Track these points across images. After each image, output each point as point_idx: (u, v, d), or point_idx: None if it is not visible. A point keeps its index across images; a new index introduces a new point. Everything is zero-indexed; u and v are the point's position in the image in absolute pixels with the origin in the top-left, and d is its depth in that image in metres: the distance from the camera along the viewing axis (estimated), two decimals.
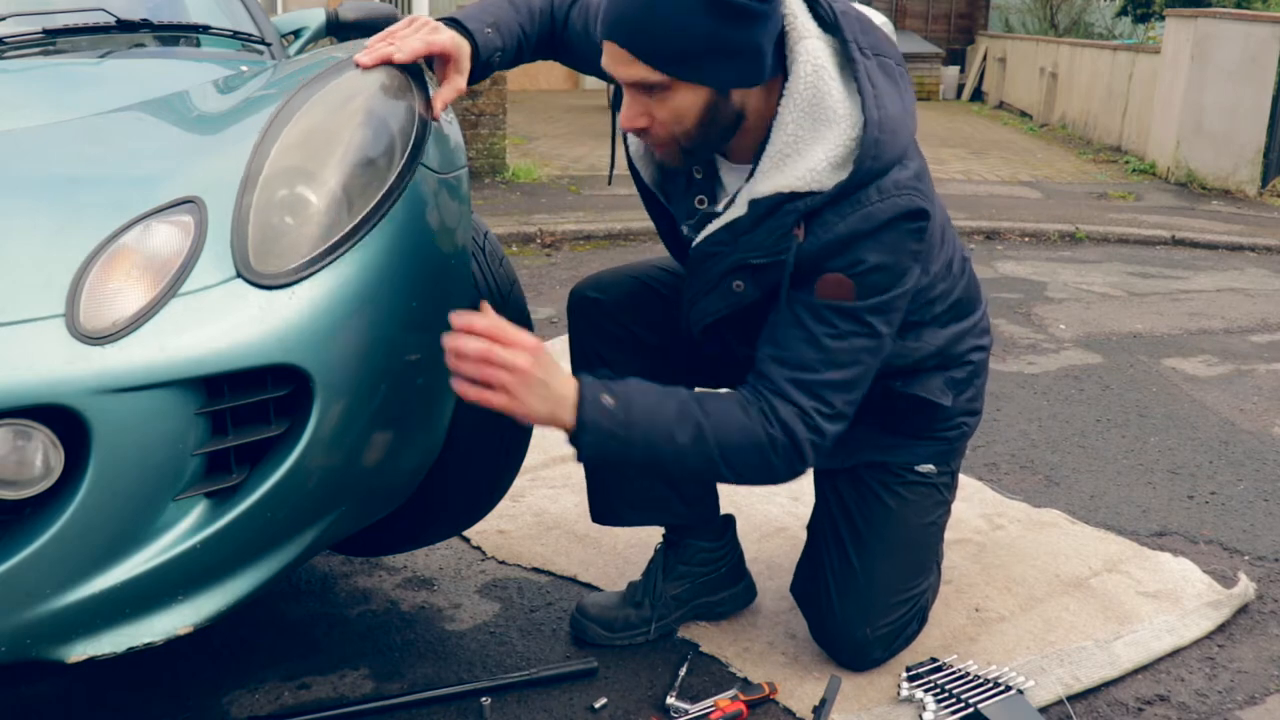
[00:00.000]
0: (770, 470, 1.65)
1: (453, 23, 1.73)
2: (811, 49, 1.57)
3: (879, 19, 1.75)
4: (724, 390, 1.69)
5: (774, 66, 1.57)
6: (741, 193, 1.63)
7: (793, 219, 1.58)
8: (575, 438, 1.57)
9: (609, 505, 2.04)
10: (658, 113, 1.57)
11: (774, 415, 1.62)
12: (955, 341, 1.91)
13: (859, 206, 1.57)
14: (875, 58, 1.61)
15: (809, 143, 1.56)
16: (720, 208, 1.68)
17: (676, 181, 1.77)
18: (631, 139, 1.78)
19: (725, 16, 1.48)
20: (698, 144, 1.61)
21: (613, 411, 1.55)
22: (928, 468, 1.95)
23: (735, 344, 1.78)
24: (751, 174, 1.62)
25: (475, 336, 1.50)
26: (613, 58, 1.55)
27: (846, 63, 1.59)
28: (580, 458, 1.61)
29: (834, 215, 1.57)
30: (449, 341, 1.50)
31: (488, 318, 1.52)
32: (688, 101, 1.54)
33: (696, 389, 1.67)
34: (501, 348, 1.50)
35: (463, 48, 1.70)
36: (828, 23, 1.60)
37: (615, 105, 1.69)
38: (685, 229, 1.77)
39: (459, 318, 1.51)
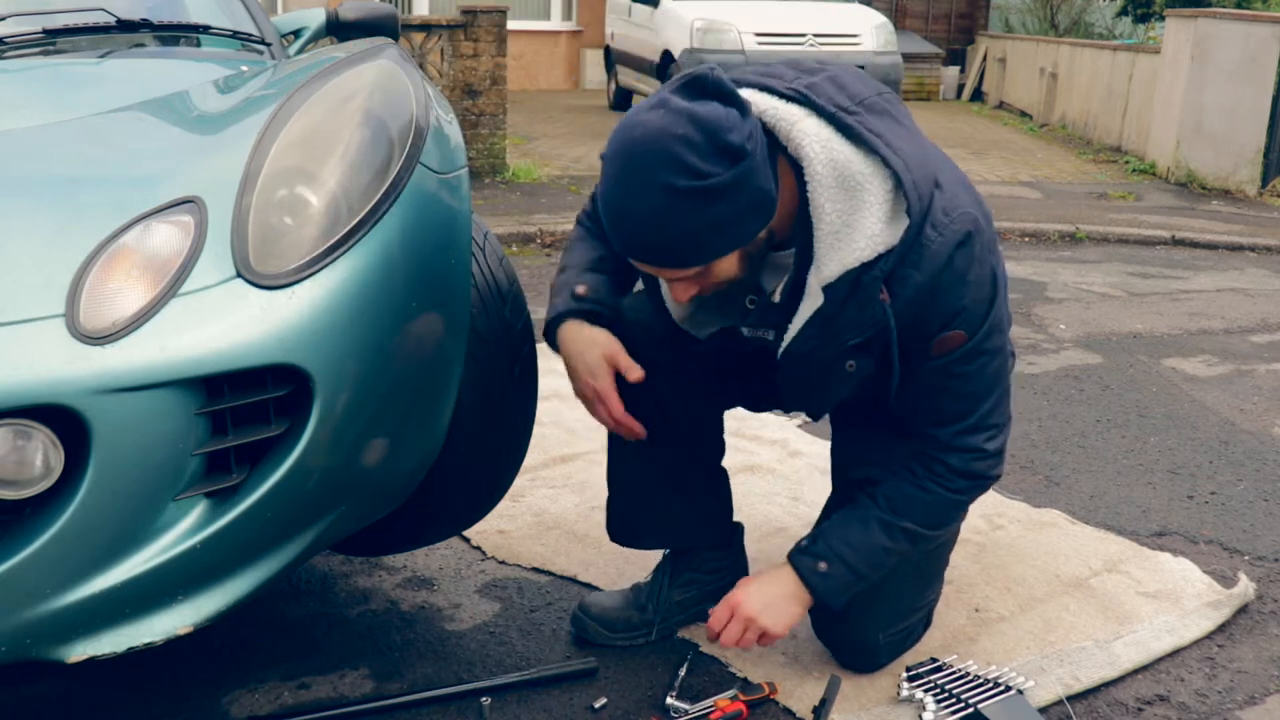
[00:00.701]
0: (968, 502, 1.82)
1: (582, 309, 1.77)
2: (810, 129, 1.56)
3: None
4: (906, 468, 1.76)
5: (771, 158, 1.54)
6: (810, 283, 1.61)
7: (876, 286, 1.58)
8: (825, 604, 1.80)
9: (630, 528, 2.05)
10: (703, 284, 1.59)
11: (952, 472, 1.73)
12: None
13: (924, 250, 1.57)
14: (860, 107, 1.61)
15: (855, 213, 1.56)
16: (777, 296, 1.68)
17: (710, 298, 1.74)
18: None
19: (717, 199, 1.46)
20: (750, 276, 1.63)
21: (832, 573, 1.76)
22: None
23: (863, 406, 1.80)
24: (804, 257, 1.61)
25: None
26: (646, 265, 1.58)
27: (842, 128, 1.57)
28: (837, 608, 1.81)
29: (907, 270, 1.58)
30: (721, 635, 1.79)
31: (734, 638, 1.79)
32: (725, 265, 1.56)
33: (853, 479, 1.83)
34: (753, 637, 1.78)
35: (614, 341, 1.78)
36: (800, 100, 1.59)
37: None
38: (746, 331, 1.76)
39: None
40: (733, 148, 1.45)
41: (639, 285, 1.86)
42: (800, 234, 1.60)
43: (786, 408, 2.01)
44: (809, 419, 1.95)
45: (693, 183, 1.43)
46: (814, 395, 1.77)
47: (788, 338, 1.67)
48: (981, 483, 1.77)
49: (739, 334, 1.78)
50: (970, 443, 1.72)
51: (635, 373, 1.74)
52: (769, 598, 1.78)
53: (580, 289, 1.77)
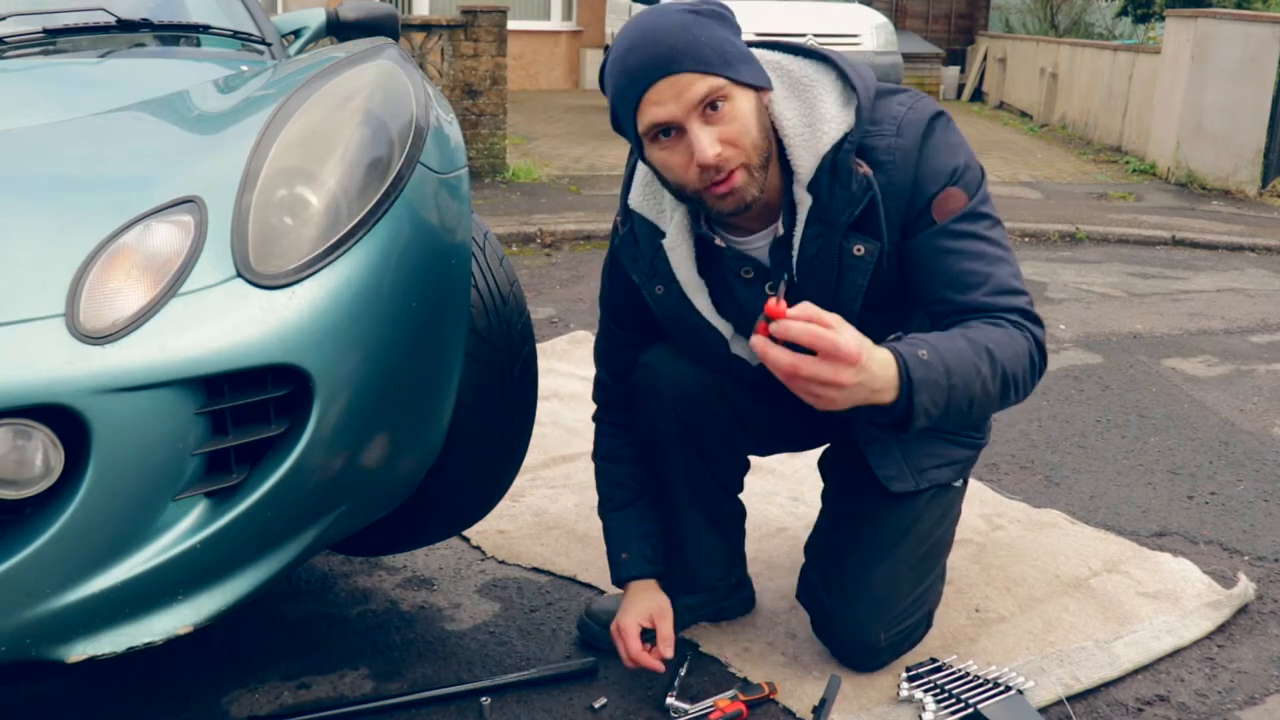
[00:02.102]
0: (1036, 374, 1.66)
1: (635, 571, 1.96)
2: (758, 55, 1.69)
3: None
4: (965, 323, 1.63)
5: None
6: (796, 194, 1.68)
7: (849, 161, 1.65)
8: (908, 401, 1.51)
9: (690, 570, 2.03)
10: (727, 131, 1.59)
11: (1014, 324, 1.62)
12: None
13: (896, 122, 1.66)
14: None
15: (812, 110, 1.66)
16: (779, 231, 1.72)
17: (716, 289, 1.82)
18: (675, 260, 1.79)
19: (728, 25, 1.62)
20: (765, 156, 1.64)
21: (931, 362, 1.52)
22: (958, 482, 1.98)
23: (898, 307, 1.76)
24: (787, 181, 1.69)
25: (799, 350, 1.44)
26: (669, 94, 1.57)
27: (787, 49, 1.73)
28: (911, 424, 1.53)
29: (883, 141, 1.66)
30: (782, 359, 1.44)
31: (803, 325, 1.43)
32: (745, 105, 1.61)
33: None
34: (824, 365, 1.43)
35: (664, 602, 1.95)
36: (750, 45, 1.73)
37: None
38: (767, 289, 1.76)
39: (790, 328, 1.43)
40: (731, 15, 1.64)
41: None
42: (784, 175, 1.69)
43: (800, 441, 2.09)
44: None
45: (710, 7, 1.61)
46: (836, 300, 1.68)
47: (795, 252, 1.71)
48: (1040, 347, 1.63)
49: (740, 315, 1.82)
50: (1010, 302, 1.63)
51: (666, 649, 1.88)
52: (867, 383, 1.47)
53: (649, 552, 1.97)
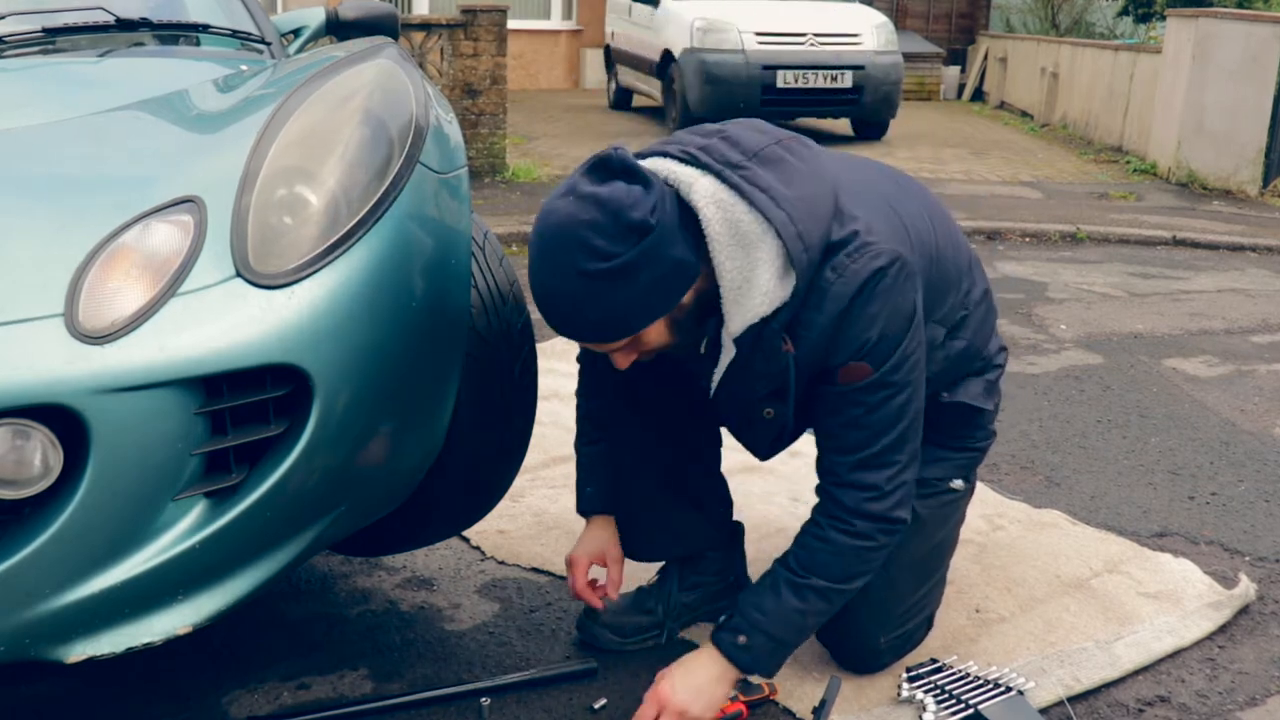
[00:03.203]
0: (884, 549, 1.76)
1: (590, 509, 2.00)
2: (704, 189, 1.59)
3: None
4: (811, 520, 1.77)
5: (687, 220, 1.58)
6: (723, 336, 1.68)
7: (777, 339, 1.64)
8: (749, 672, 1.78)
9: (641, 543, 2.04)
10: (640, 350, 1.64)
11: (847, 512, 1.71)
12: (988, 338, 1.96)
13: (824, 294, 1.61)
14: (752, 160, 1.63)
15: (751, 270, 1.60)
16: (703, 349, 1.74)
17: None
18: None
19: (630, 273, 1.51)
20: (688, 338, 1.68)
21: (753, 645, 1.74)
22: (958, 483, 1.98)
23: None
24: (719, 313, 1.67)
25: None
26: (577, 338, 1.64)
27: (732, 185, 1.60)
28: (768, 673, 1.80)
29: (809, 314, 1.63)
30: None
31: None
32: (654, 333, 1.61)
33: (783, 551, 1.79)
34: None
35: (612, 539, 2.01)
36: (692, 162, 1.62)
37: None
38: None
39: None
40: (635, 224, 1.49)
41: None
42: (715, 293, 1.65)
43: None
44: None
45: (601, 265, 1.49)
46: (744, 438, 1.86)
47: (712, 387, 1.74)
48: (880, 524, 1.72)
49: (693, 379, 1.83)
50: (866, 479, 1.70)
51: (612, 592, 1.99)
52: (697, 684, 1.75)
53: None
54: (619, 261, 1.49)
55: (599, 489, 1.98)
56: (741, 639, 1.73)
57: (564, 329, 1.59)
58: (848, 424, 1.69)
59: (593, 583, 1.99)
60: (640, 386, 1.88)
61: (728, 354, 1.68)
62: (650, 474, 1.96)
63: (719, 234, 1.58)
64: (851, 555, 1.72)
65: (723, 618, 1.79)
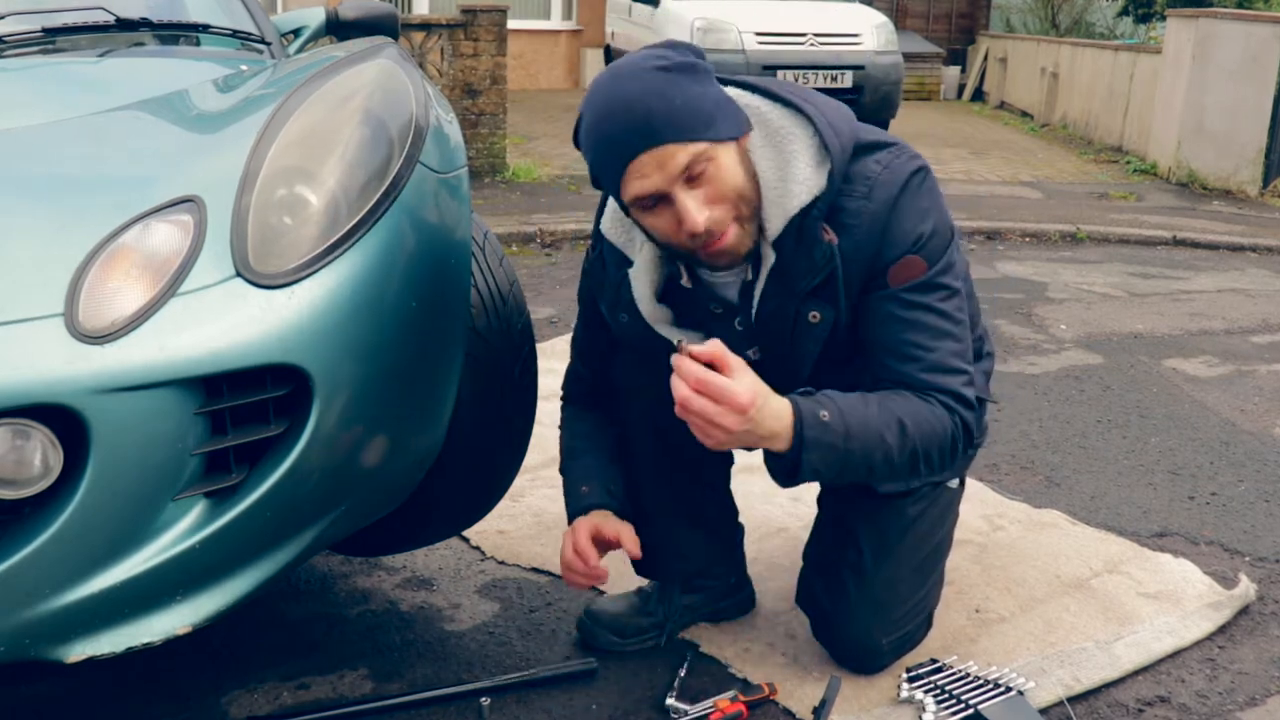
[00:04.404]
0: (955, 454, 1.68)
1: (590, 506, 1.87)
2: (736, 96, 1.65)
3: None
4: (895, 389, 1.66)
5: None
6: (763, 249, 1.65)
7: (817, 228, 1.62)
8: (796, 456, 1.56)
9: (653, 561, 2.00)
10: (714, 191, 1.58)
11: (942, 404, 1.64)
12: (977, 319, 1.95)
13: (873, 183, 1.62)
14: (777, 86, 1.69)
15: (787, 165, 1.61)
16: (740, 284, 1.70)
17: (685, 320, 1.78)
18: (638, 291, 1.76)
19: (699, 78, 1.57)
20: (756, 205, 1.63)
21: (831, 424, 1.56)
22: (954, 482, 1.98)
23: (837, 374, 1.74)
24: (760, 229, 1.64)
25: (694, 388, 1.49)
26: (652, 167, 1.54)
27: (764, 92, 1.66)
28: (797, 478, 1.59)
29: (853, 203, 1.62)
30: (677, 389, 1.49)
31: (698, 369, 1.49)
32: (729, 162, 1.58)
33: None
34: (714, 408, 1.48)
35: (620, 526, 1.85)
36: (723, 81, 1.67)
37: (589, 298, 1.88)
38: (737, 324, 1.74)
39: (682, 364, 1.50)
40: (696, 50, 1.59)
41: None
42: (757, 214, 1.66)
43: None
44: None
45: (675, 61, 1.55)
46: (788, 363, 1.72)
47: (754, 305, 1.70)
48: (964, 430, 1.66)
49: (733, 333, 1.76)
50: (943, 382, 1.64)
51: (632, 548, 1.83)
52: (755, 430, 1.53)
53: (612, 488, 1.90)
54: (688, 61, 1.56)
55: (597, 486, 1.88)
56: (824, 414, 1.56)
57: (646, 125, 1.52)
58: (908, 326, 1.63)
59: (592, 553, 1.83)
60: (654, 400, 1.86)
61: (767, 263, 1.65)
62: (658, 494, 1.96)
63: (754, 135, 1.62)
64: (938, 427, 1.63)
65: (804, 390, 1.61)
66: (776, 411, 1.54)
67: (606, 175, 1.60)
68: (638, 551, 1.83)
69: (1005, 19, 15.63)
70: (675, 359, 1.51)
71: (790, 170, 1.61)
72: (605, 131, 1.56)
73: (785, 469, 1.59)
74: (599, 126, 1.56)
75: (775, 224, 1.62)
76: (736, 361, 1.51)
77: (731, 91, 1.65)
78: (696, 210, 1.56)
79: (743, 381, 1.49)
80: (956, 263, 1.69)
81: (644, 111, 1.52)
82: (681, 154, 1.54)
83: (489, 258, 1.88)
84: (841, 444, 1.57)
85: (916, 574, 1.93)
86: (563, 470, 1.96)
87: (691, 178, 1.56)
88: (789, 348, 1.71)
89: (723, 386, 1.48)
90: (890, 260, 1.62)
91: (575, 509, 1.89)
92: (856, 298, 1.66)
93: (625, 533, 1.83)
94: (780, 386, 1.61)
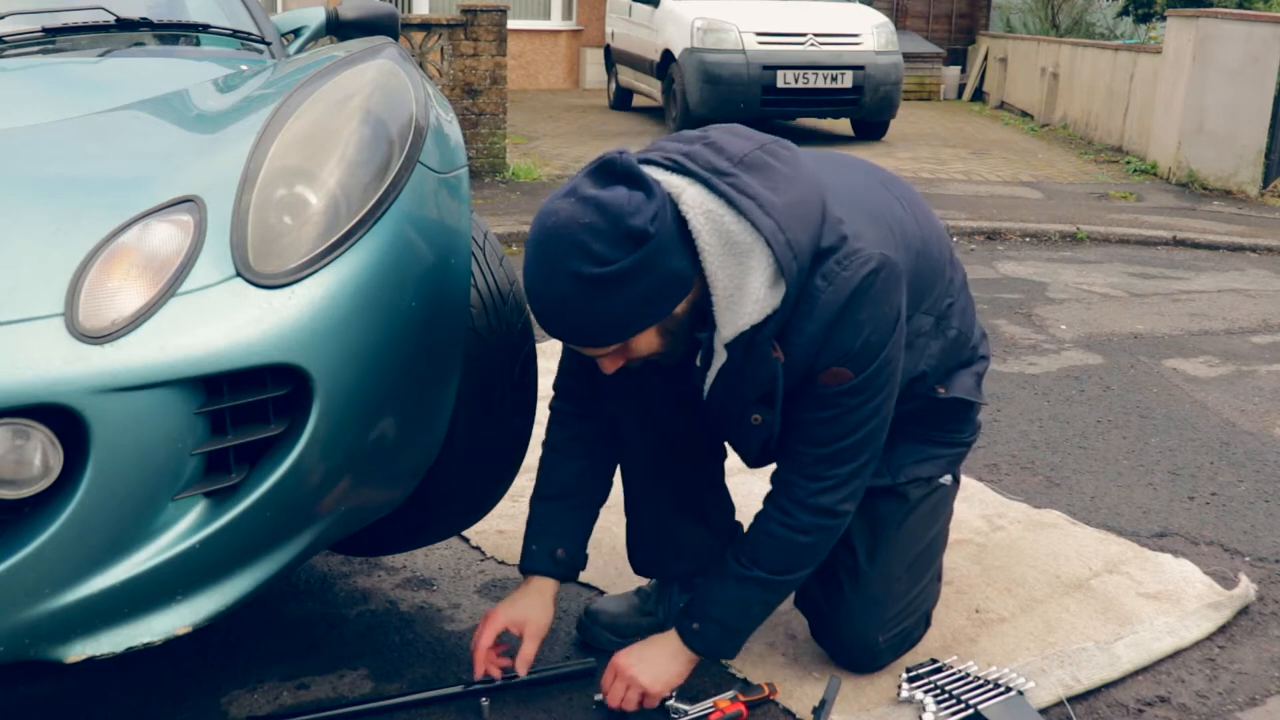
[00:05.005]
0: (826, 545, 1.81)
1: (556, 572, 1.91)
2: (693, 199, 1.57)
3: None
4: (760, 510, 1.80)
5: (683, 230, 1.57)
6: (715, 343, 1.68)
7: (768, 346, 1.64)
8: (705, 655, 1.83)
9: (653, 560, 2.06)
10: (629, 356, 1.65)
11: (796, 505, 1.75)
12: (973, 325, 1.96)
13: (815, 301, 1.62)
14: (738, 167, 1.61)
15: (743, 278, 1.59)
16: (698, 360, 1.74)
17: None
18: None
19: (626, 282, 1.51)
20: (679, 346, 1.68)
21: (705, 631, 1.80)
22: (946, 479, 1.99)
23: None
24: (711, 321, 1.65)
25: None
26: (572, 343, 1.65)
27: (719, 193, 1.59)
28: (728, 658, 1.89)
29: (800, 322, 1.63)
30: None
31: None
32: (645, 340, 1.62)
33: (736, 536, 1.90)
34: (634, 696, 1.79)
35: (545, 618, 1.90)
36: (678, 169, 1.61)
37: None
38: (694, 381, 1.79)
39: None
40: (634, 232, 1.49)
41: None
42: (707, 300, 1.64)
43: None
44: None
45: (598, 270, 1.49)
46: (735, 444, 1.87)
47: (706, 387, 1.74)
48: (824, 517, 1.75)
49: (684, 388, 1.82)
50: (826, 471, 1.73)
51: (520, 667, 1.85)
52: (652, 657, 1.81)
53: (560, 552, 1.90)
54: (614, 268, 1.50)
55: (543, 549, 1.88)
56: (695, 625, 1.80)
57: (555, 330, 1.60)
58: (821, 421, 1.72)
59: (502, 647, 1.86)
60: (643, 402, 1.87)
61: (719, 359, 1.68)
62: (656, 491, 1.96)
63: (710, 244, 1.57)
64: (792, 549, 1.77)
65: (683, 603, 1.86)
66: (672, 652, 1.81)
67: None
68: (524, 669, 1.85)
69: (1005, 19, 15.63)
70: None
71: (745, 285, 1.59)
72: (533, 310, 1.60)
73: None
74: (529, 299, 1.59)
75: (727, 331, 1.63)
76: (619, 669, 1.80)
77: (693, 193, 1.57)
78: (609, 365, 1.66)
79: (638, 688, 1.79)
80: (890, 360, 1.70)
81: (557, 321, 1.57)
82: (592, 350, 1.63)
83: (489, 258, 1.88)
84: (725, 631, 1.81)
85: (911, 571, 1.93)
86: (531, 503, 1.95)
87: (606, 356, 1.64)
88: (735, 433, 1.83)
89: (639, 696, 1.79)
90: (822, 367, 1.67)
91: (521, 562, 1.93)
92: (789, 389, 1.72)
93: (530, 638, 1.85)
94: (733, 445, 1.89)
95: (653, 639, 1.85)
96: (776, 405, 1.71)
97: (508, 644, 1.86)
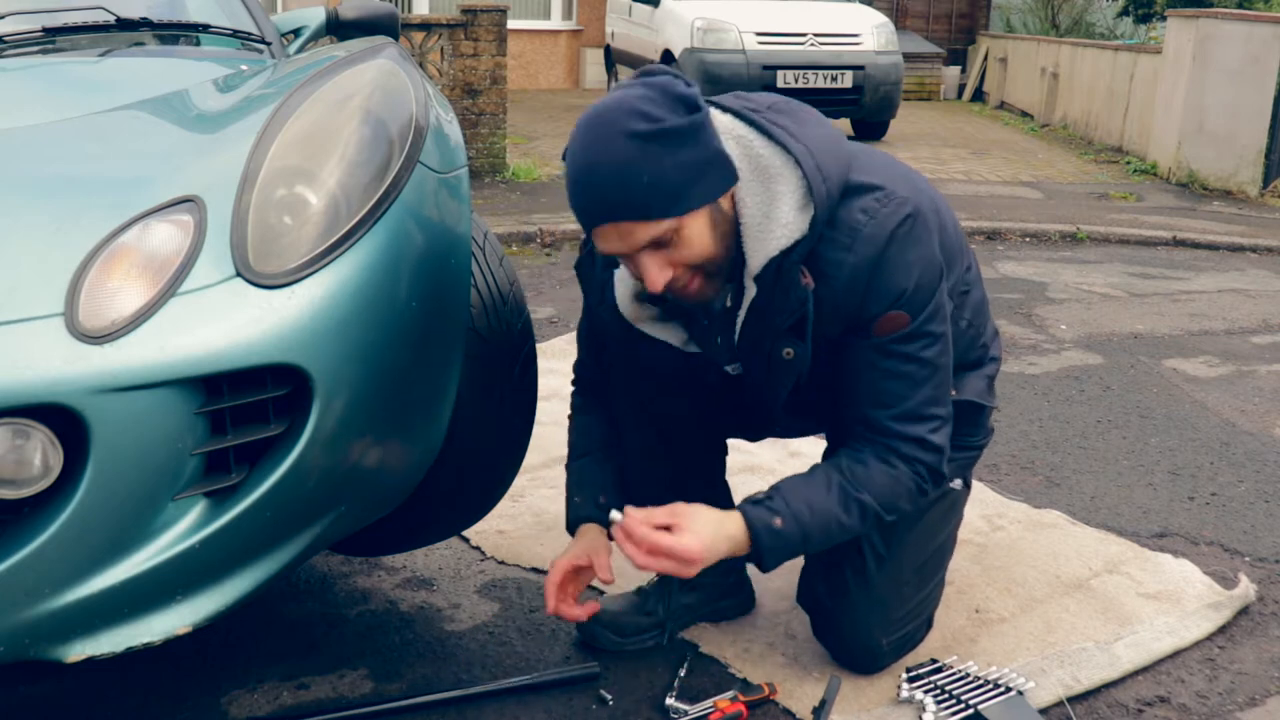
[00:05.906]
0: (923, 496, 1.77)
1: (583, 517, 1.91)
2: (724, 124, 1.62)
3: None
4: (851, 447, 1.75)
5: None
6: (745, 280, 1.66)
7: (796, 271, 1.63)
8: (759, 559, 1.70)
9: None
10: (679, 257, 1.58)
11: (905, 456, 1.71)
12: (986, 321, 1.95)
13: (856, 234, 1.61)
14: (769, 109, 1.66)
15: (772, 204, 1.61)
16: (728, 301, 1.71)
17: (679, 314, 1.80)
18: (619, 292, 1.78)
19: (680, 143, 1.52)
20: (723, 262, 1.64)
21: (784, 531, 1.68)
22: (956, 483, 1.98)
23: (817, 395, 1.80)
24: (739, 259, 1.65)
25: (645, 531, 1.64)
26: (614, 237, 1.56)
27: (751, 122, 1.63)
28: (766, 570, 1.73)
29: (835, 251, 1.62)
30: (636, 558, 1.64)
31: (646, 534, 1.63)
32: (697, 229, 1.57)
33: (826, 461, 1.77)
34: (672, 564, 1.64)
35: (603, 540, 1.88)
36: (711, 103, 1.65)
37: (584, 269, 1.85)
38: (718, 340, 1.78)
39: (631, 534, 1.64)
40: (687, 98, 1.53)
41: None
42: (735, 240, 1.64)
43: (765, 433, 2.06)
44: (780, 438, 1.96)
45: (654, 126, 1.50)
46: (764, 389, 1.79)
47: (736, 332, 1.72)
48: (931, 476, 1.73)
49: (717, 365, 1.81)
50: (912, 429, 1.70)
51: (604, 573, 1.83)
52: (709, 534, 1.66)
53: (602, 498, 1.91)
54: (671, 125, 1.50)
55: (587, 497, 1.92)
56: (777, 521, 1.67)
57: (606, 207, 1.53)
58: (886, 375, 1.68)
59: (573, 587, 1.87)
60: (644, 395, 1.87)
61: (749, 294, 1.67)
62: (653, 487, 1.96)
63: (740, 168, 1.60)
64: (903, 491, 1.72)
65: (761, 495, 1.71)
66: (731, 535, 1.67)
67: (581, 223, 1.62)
68: (608, 575, 1.83)
69: (1005, 19, 15.63)
70: (619, 530, 1.64)
71: (774, 210, 1.60)
72: (572, 193, 1.57)
73: (755, 563, 1.72)
74: (570, 184, 1.57)
75: (756, 261, 1.63)
76: (682, 514, 1.65)
77: (725, 120, 1.62)
78: (658, 273, 1.59)
79: (687, 535, 1.63)
80: (942, 306, 1.70)
81: (608, 187, 1.52)
82: (642, 231, 1.55)
83: (489, 258, 1.88)
84: (799, 540, 1.70)
85: (919, 574, 1.93)
86: (566, 467, 1.99)
87: (656, 244, 1.57)
88: (764, 375, 1.76)
89: (671, 547, 1.62)
90: (874, 314, 1.65)
91: (568, 518, 1.95)
92: (837, 339, 1.69)
93: (598, 560, 1.84)
94: (759, 405, 1.80)
95: (715, 516, 1.68)
96: (807, 336, 1.67)
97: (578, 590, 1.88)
